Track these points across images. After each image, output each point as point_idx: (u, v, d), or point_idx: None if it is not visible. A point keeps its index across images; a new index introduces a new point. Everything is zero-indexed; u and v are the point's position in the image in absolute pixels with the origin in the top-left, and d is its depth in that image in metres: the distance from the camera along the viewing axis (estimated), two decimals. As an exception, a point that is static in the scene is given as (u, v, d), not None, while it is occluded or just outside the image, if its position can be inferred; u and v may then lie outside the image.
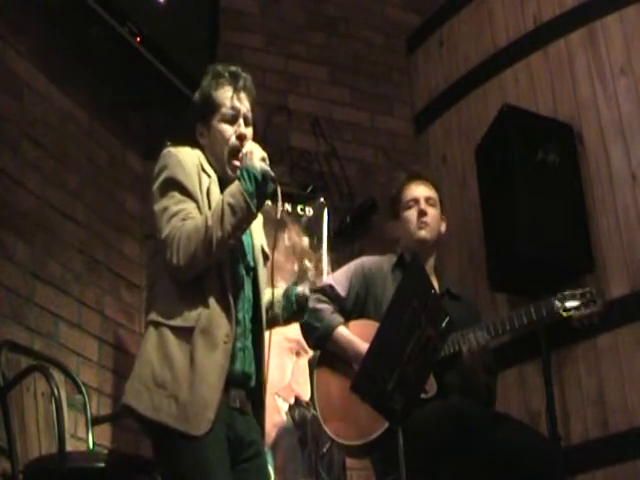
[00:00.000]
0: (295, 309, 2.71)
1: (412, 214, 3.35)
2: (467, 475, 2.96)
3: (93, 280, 3.94)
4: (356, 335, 3.18)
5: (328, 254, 4.39)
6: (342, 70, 5.13)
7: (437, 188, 3.46)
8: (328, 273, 4.27)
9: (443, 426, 2.95)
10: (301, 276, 4.26)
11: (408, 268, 3.20)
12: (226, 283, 2.49)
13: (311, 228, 4.40)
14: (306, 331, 3.26)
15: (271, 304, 2.70)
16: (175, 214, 2.47)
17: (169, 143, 3.81)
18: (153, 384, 2.38)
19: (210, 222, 2.43)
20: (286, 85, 4.85)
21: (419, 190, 3.39)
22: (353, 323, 3.25)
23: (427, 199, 3.38)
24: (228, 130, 2.62)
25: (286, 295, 2.72)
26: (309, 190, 4.47)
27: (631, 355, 3.83)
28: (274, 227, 2.64)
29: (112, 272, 4.08)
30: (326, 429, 3.17)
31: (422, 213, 3.34)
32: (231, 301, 2.48)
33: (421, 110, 5.21)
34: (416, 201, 3.36)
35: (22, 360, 3.26)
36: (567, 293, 3.17)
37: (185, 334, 2.41)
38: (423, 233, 3.33)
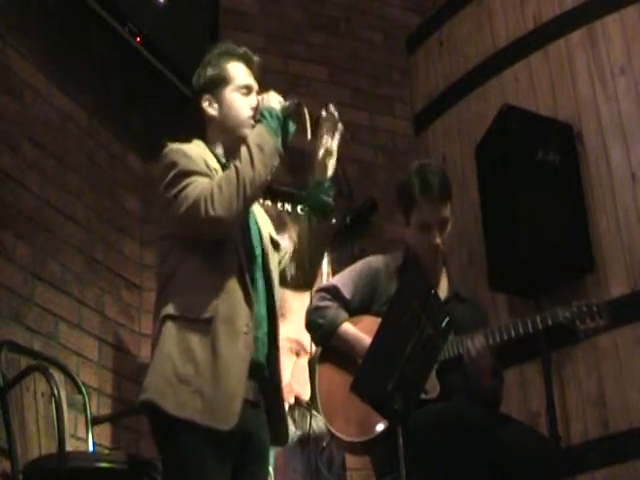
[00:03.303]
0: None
1: (424, 239, 3.20)
2: (467, 475, 2.96)
3: (93, 280, 3.94)
4: (360, 331, 3.18)
5: (328, 254, 4.39)
6: (342, 70, 5.13)
7: (450, 195, 3.25)
8: (328, 273, 4.26)
9: (443, 426, 2.95)
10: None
11: (408, 268, 3.20)
12: (244, 272, 2.47)
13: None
14: (310, 328, 3.25)
15: None
16: (194, 185, 2.42)
17: (169, 144, 3.82)
18: (176, 380, 2.34)
19: (239, 165, 2.41)
20: (286, 85, 4.85)
21: (435, 213, 3.18)
22: (357, 319, 3.24)
23: (442, 221, 3.20)
24: (244, 100, 2.64)
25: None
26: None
27: (631, 355, 3.83)
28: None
29: (112, 272, 4.08)
30: (328, 425, 3.17)
31: (435, 245, 3.18)
32: (250, 290, 2.46)
33: (421, 110, 5.21)
34: (430, 225, 3.18)
35: (22, 360, 3.26)
36: (574, 304, 3.12)
37: (204, 325, 2.38)
38: (435, 262, 3.24)
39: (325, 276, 4.26)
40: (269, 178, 2.50)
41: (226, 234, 2.44)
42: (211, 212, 2.37)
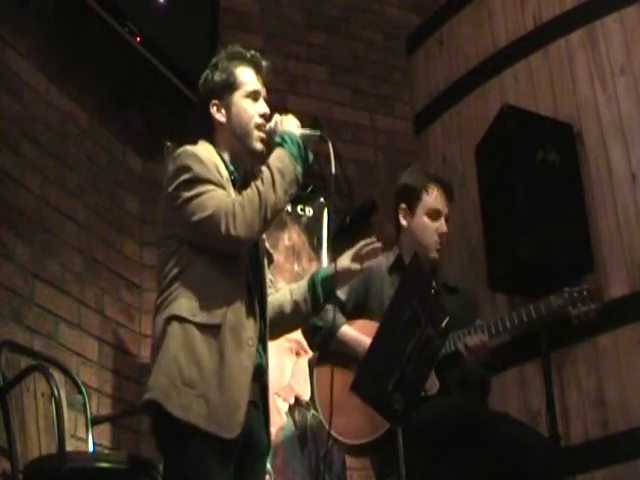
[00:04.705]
0: (324, 297, 2.65)
1: (431, 228, 3.29)
2: (467, 474, 2.96)
3: (93, 280, 3.94)
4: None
5: (328, 254, 4.39)
6: (342, 70, 5.13)
7: (453, 198, 3.40)
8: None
9: (443, 424, 2.95)
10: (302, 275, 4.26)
11: (408, 267, 3.20)
12: (251, 286, 2.48)
13: (311, 228, 4.40)
14: (309, 332, 3.23)
15: (296, 304, 2.65)
16: (212, 194, 2.42)
17: (169, 144, 3.82)
18: (181, 382, 2.33)
19: (262, 188, 2.41)
20: (286, 85, 4.85)
21: (444, 203, 3.32)
22: (353, 323, 3.25)
23: (447, 217, 3.32)
24: (252, 106, 2.61)
25: (312, 286, 2.65)
26: (309, 190, 4.46)
27: (631, 355, 3.83)
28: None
29: (112, 272, 4.07)
30: (328, 428, 3.16)
31: (442, 235, 3.29)
32: (256, 305, 2.47)
33: (421, 110, 5.21)
34: (438, 214, 3.30)
35: (22, 360, 3.26)
36: (566, 290, 3.23)
37: (212, 331, 2.38)
38: (436, 255, 3.31)
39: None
40: (286, 205, 2.53)
41: (240, 253, 2.46)
42: (232, 231, 2.37)
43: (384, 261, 3.35)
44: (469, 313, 3.27)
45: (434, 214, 3.30)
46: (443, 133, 5.03)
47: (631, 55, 4.12)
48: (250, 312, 2.45)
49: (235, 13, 4.88)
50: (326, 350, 3.22)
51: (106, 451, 3.65)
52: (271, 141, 2.57)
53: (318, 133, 2.57)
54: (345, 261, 2.66)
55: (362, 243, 2.71)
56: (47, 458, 3.03)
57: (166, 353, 2.38)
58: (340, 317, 3.23)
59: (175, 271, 2.46)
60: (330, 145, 2.54)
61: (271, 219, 2.44)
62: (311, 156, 2.54)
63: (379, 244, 2.70)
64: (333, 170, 2.54)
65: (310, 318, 2.79)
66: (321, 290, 2.64)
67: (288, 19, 5.08)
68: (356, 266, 2.67)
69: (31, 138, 3.72)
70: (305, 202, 4.39)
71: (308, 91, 4.98)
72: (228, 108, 2.62)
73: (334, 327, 3.18)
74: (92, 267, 3.95)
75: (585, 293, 3.22)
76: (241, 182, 2.59)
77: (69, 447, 3.12)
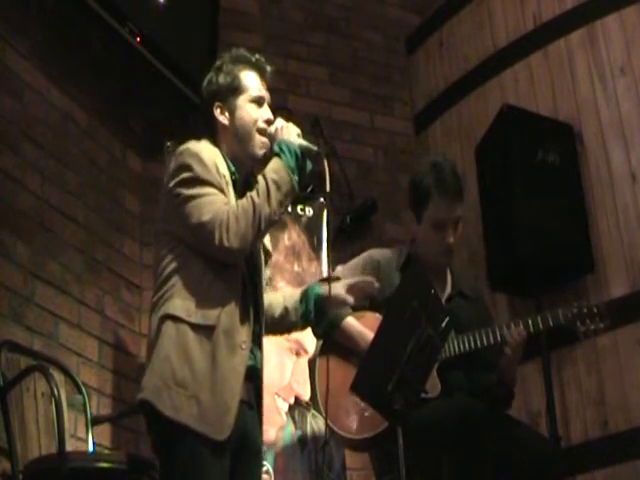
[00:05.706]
0: (314, 315, 2.66)
1: (436, 239, 3.23)
2: (467, 475, 2.96)
3: (93, 280, 3.94)
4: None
5: (328, 254, 4.39)
6: (342, 70, 5.13)
7: (463, 194, 3.30)
8: (327, 273, 4.26)
9: (444, 425, 2.95)
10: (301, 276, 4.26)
11: (409, 268, 3.20)
12: (247, 289, 2.49)
13: (311, 228, 4.39)
14: None
15: (286, 310, 2.67)
16: (212, 199, 2.43)
17: (169, 144, 3.82)
18: (173, 382, 2.34)
19: (257, 200, 2.41)
20: (286, 85, 4.85)
21: (450, 211, 3.22)
22: (360, 314, 3.23)
23: (456, 221, 3.24)
24: (256, 111, 2.61)
25: (305, 299, 2.67)
26: (309, 190, 4.46)
27: (631, 355, 3.83)
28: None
29: (112, 272, 4.07)
30: (328, 421, 3.16)
31: (449, 244, 3.22)
32: (251, 310, 2.48)
33: (421, 110, 5.21)
34: (445, 223, 3.22)
35: (22, 360, 3.26)
36: (575, 305, 3.16)
37: (205, 332, 2.38)
38: (445, 260, 3.29)
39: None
40: (282, 215, 2.53)
41: (234, 262, 2.46)
42: (225, 242, 2.38)
43: (394, 256, 3.34)
44: (479, 321, 3.24)
45: (440, 224, 3.23)
46: (443, 133, 5.03)
47: (631, 55, 4.12)
48: (244, 315, 2.45)
49: (235, 13, 4.88)
50: (329, 341, 3.21)
51: (106, 451, 3.65)
52: (271, 145, 2.57)
53: (316, 149, 2.55)
54: (340, 289, 2.66)
55: (360, 279, 2.73)
56: (47, 458, 3.02)
57: (159, 353, 2.39)
58: (346, 308, 3.22)
59: (171, 268, 2.47)
60: (325, 163, 2.54)
61: (265, 230, 2.45)
62: (310, 165, 2.54)
63: (377, 285, 2.71)
64: (328, 188, 2.54)
65: (297, 329, 2.78)
66: (313, 307, 2.65)
67: (288, 19, 5.08)
68: (350, 299, 2.66)
69: (31, 138, 3.72)
70: (305, 202, 4.38)
71: (308, 91, 4.97)
72: (232, 111, 2.61)
73: (339, 317, 3.17)
74: (92, 267, 3.95)
75: (595, 310, 3.13)
76: (243, 182, 2.60)
77: (69, 447, 3.12)
